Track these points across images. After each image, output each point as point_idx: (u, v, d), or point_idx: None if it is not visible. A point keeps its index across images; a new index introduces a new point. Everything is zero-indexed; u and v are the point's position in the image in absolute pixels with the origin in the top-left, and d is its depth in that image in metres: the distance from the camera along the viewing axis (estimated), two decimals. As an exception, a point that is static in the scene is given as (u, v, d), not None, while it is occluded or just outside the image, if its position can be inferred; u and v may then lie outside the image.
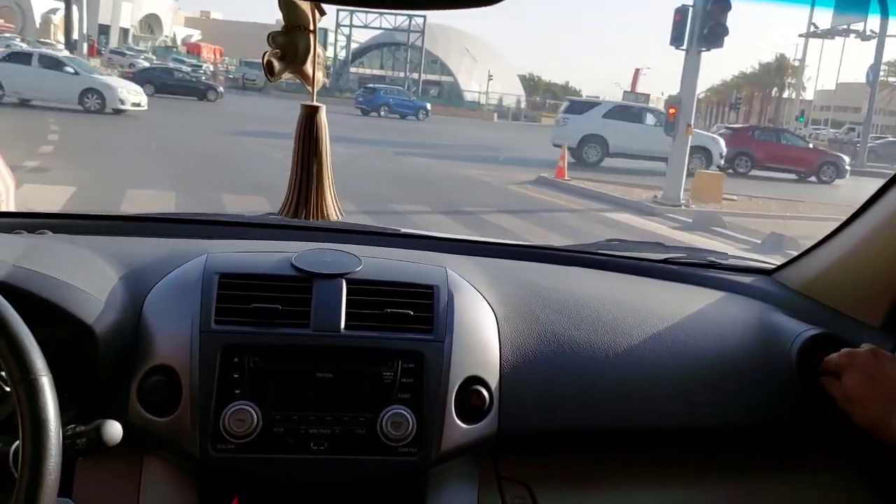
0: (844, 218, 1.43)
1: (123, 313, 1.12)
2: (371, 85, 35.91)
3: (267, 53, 0.87)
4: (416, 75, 51.23)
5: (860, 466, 1.36)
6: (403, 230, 1.65)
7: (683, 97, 12.31)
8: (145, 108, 18.83)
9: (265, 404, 1.08)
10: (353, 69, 55.73)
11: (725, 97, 57.40)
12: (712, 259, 1.71)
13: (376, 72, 57.09)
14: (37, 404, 0.77)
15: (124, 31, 59.92)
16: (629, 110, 19.24)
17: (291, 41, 0.88)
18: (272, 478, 1.10)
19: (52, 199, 7.46)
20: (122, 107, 18.25)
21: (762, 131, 22.19)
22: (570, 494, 1.28)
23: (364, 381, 1.12)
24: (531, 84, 68.22)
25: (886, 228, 1.31)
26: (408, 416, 1.10)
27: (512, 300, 1.29)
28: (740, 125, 24.89)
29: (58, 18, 51.16)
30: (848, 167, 19.40)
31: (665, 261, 1.66)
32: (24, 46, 25.50)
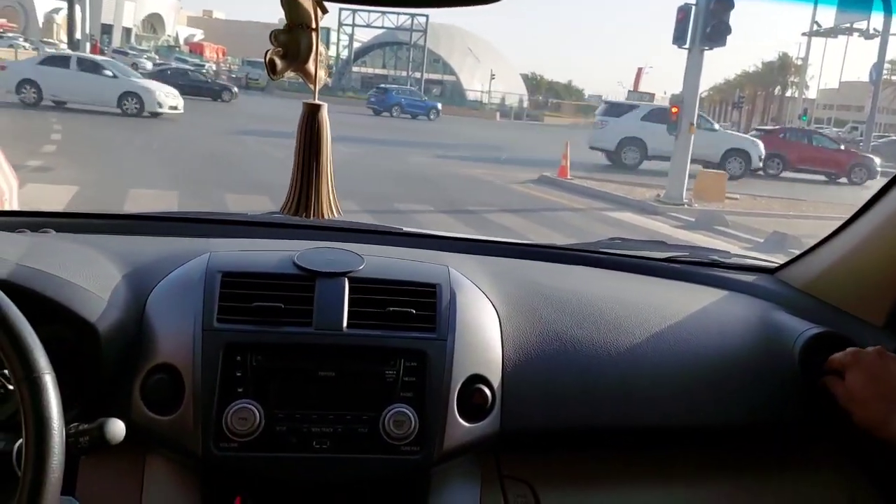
0: (847, 217, 1.43)
1: (126, 312, 1.13)
2: (383, 85, 35.98)
3: (269, 52, 0.87)
4: (418, 74, 51.19)
5: (862, 465, 1.36)
6: (406, 229, 1.65)
7: (686, 96, 12.30)
8: (182, 111, 18.58)
9: (268, 403, 1.08)
10: (355, 68, 55.74)
11: (728, 96, 57.30)
12: (715, 258, 1.71)
13: (378, 71, 57.08)
14: (40, 403, 0.77)
15: (127, 31, 59.97)
16: (667, 113, 19.20)
17: (294, 39, 0.88)
18: (275, 476, 1.10)
19: (57, 198, 7.47)
20: (160, 110, 18.06)
21: (793, 133, 22.10)
22: (572, 493, 1.28)
23: (366, 379, 1.12)
24: (533, 83, 68.05)
25: (889, 227, 1.31)
26: (410, 414, 1.10)
27: (514, 299, 1.29)
28: (770, 127, 24.82)
29: (61, 18, 51.20)
30: (879, 168, 19.21)
31: (667, 259, 1.66)
32: (66, 51, 25.34)
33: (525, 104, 51.73)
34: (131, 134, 14.59)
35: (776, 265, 1.64)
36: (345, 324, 1.14)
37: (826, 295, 1.45)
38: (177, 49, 59.75)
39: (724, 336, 1.35)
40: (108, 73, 18.22)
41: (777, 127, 24.87)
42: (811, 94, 56.24)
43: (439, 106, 35.04)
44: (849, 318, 1.38)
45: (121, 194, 8.24)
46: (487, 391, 1.16)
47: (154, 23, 66.23)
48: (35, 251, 1.13)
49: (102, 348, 1.06)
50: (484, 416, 1.16)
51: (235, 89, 28.80)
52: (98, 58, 20.93)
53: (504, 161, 16.83)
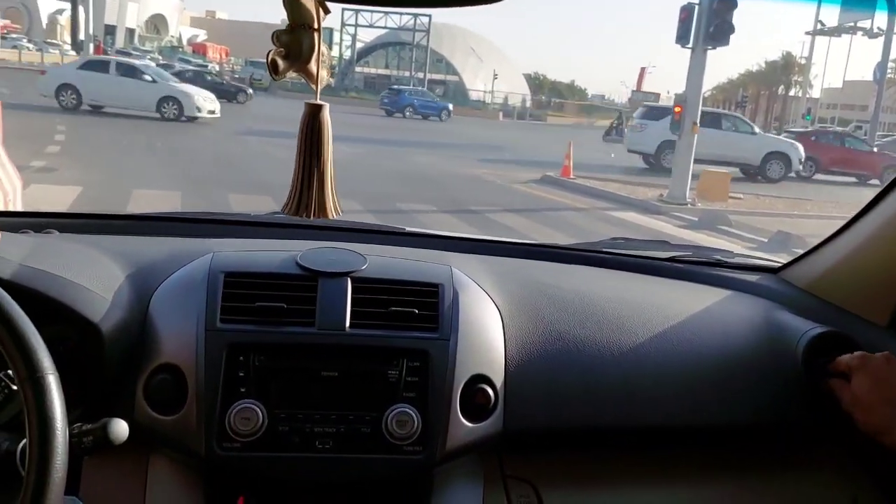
0: (851, 216, 1.42)
1: (129, 312, 1.13)
2: (396, 87, 36.24)
3: (271, 52, 0.87)
4: (421, 75, 51.20)
5: (865, 466, 1.36)
6: (408, 229, 1.65)
7: (689, 96, 12.27)
8: (218, 115, 18.53)
9: (270, 403, 1.08)
10: (358, 68, 55.78)
11: (732, 95, 57.18)
12: (718, 257, 1.71)
13: (381, 71, 57.12)
14: (43, 403, 0.77)
15: (130, 32, 60.09)
16: (707, 116, 19.02)
17: (296, 40, 0.88)
18: (277, 476, 1.10)
19: (61, 198, 7.48)
20: (199, 114, 18.04)
21: (825, 135, 22.06)
22: (575, 493, 1.28)
23: (369, 379, 1.12)
24: (536, 83, 68.01)
25: (893, 226, 1.31)
26: (413, 414, 1.10)
27: (517, 299, 1.29)
28: (803, 129, 24.69)
29: (64, 19, 51.36)
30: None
31: (670, 259, 1.66)
32: (105, 55, 25.21)
33: (528, 104, 51.73)
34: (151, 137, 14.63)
35: (779, 265, 1.63)
36: (347, 324, 1.14)
37: (829, 294, 1.44)
38: (180, 50, 59.84)
39: (728, 336, 1.35)
40: (148, 77, 18.18)
41: (809, 129, 24.76)
42: (815, 93, 56.17)
43: (450, 107, 35.31)
44: (852, 317, 1.38)
45: (124, 194, 8.25)
46: (490, 391, 1.16)
47: (157, 23, 66.35)
48: (38, 252, 1.13)
49: (106, 348, 1.06)
50: (487, 416, 1.16)
51: (250, 91, 28.77)
52: (137, 62, 20.81)
53: (507, 160, 16.83)
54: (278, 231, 1.52)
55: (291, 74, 0.93)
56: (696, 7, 11.42)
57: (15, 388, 0.83)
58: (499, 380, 1.18)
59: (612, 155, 20.08)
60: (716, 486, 1.34)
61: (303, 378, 1.11)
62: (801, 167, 18.32)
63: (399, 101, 32.48)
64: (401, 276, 1.23)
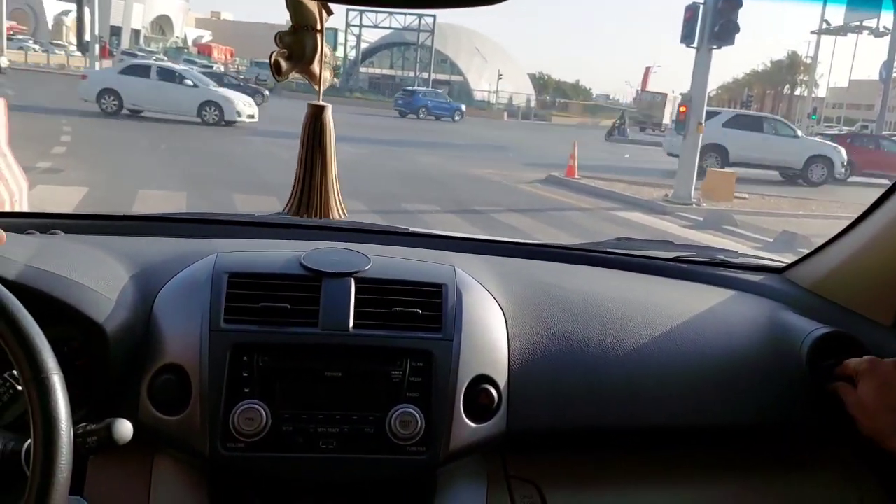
0: (856, 216, 1.42)
1: (134, 312, 1.13)
2: (410, 88, 36.57)
3: (274, 53, 0.88)
4: (425, 75, 51.21)
5: (871, 466, 1.35)
6: (412, 229, 1.65)
7: (694, 95, 12.25)
8: (257, 119, 18.49)
9: (274, 403, 1.09)
10: (362, 69, 55.77)
11: (737, 95, 57.11)
12: (722, 257, 1.70)
13: (386, 71, 57.14)
14: (48, 403, 0.78)
15: (136, 33, 60.27)
16: (748, 119, 19.11)
17: (298, 41, 0.89)
18: (281, 476, 1.10)
19: (67, 199, 7.51)
20: (238, 119, 17.98)
21: (859, 138, 22.02)
22: (579, 493, 1.28)
23: (373, 379, 1.12)
24: (541, 83, 67.94)
25: None
26: (416, 414, 1.10)
27: (520, 299, 1.29)
28: (837, 132, 24.63)
29: (70, 20, 51.57)
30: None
31: (674, 259, 1.66)
32: (146, 60, 25.04)
33: (532, 104, 51.69)
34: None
35: (784, 265, 1.63)
36: (351, 324, 1.14)
37: (834, 295, 1.44)
38: (185, 50, 59.95)
39: (732, 336, 1.35)
40: (189, 82, 18.21)
41: (845, 132, 24.69)
42: (820, 92, 56.01)
43: (463, 107, 35.58)
44: (857, 317, 1.38)
45: (129, 195, 8.27)
46: (493, 391, 1.16)
47: (162, 24, 66.53)
48: (43, 252, 1.13)
49: (110, 349, 1.07)
50: (490, 417, 1.16)
51: (267, 92, 28.74)
52: (177, 67, 20.82)
53: (511, 160, 16.82)
54: (282, 231, 1.52)
55: (295, 75, 0.93)
56: (701, 6, 11.41)
57: (20, 388, 0.84)
58: (502, 380, 1.18)
59: (627, 155, 20.02)
60: (720, 486, 1.33)
61: (306, 378, 1.11)
62: (843, 170, 18.24)
63: (413, 103, 32.74)
64: (404, 276, 1.23)
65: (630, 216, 10.87)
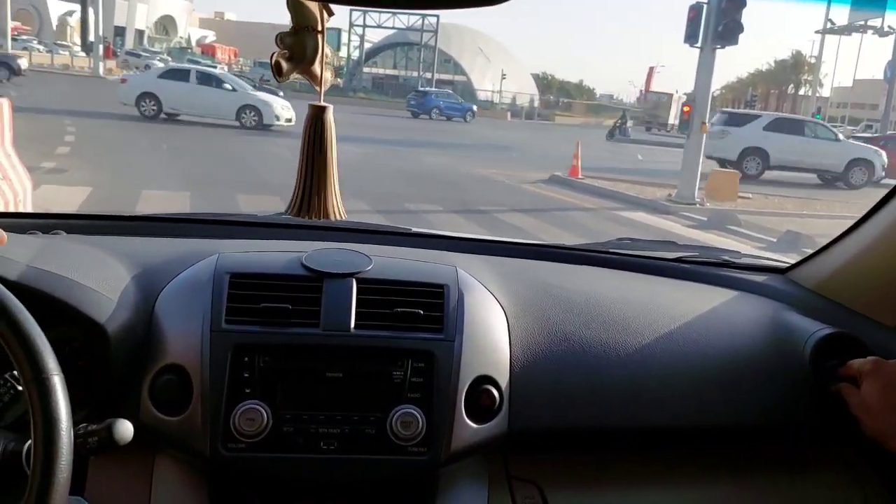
0: (860, 216, 1.41)
1: (135, 313, 1.13)
2: (422, 89, 36.68)
3: (275, 54, 0.88)
4: (429, 75, 51.23)
5: (875, 467, 1.35)
6: (414, 229, 1.65)
7: (698, 95, 12.23)
8: (294, 122, 18.21)
9: (275, 404, 1.09)
10: (366, 69, 55.81)
11: (741, 94, 57.01)
12: (725, 258, 1.70)
13: (389, 71, 57.16)
14: (48, 403, 0.78)
15: (140, 33, 60.39)
16: (789, 122, 19.00)
17: (299, 41, 0.89)
18: (282, 477, 1.10)
19: (70, 199, 7.53)
20: (277, 122, 17.83)
21: (892, 140, 21.84)
22: (580, 494, 1.28)
23: (374, 380, 1.12)
24: (544, 83, 67.89)
25: None
26: (418, 415, 1.10)
27: (522, 299, 1.29)
28: (869, 134, 24.49)
29: (74, 20, 51.69)
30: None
31: (677, 259, 1.65)
32: (185, 64, 24.95)
33: (536, 104, 51.66)
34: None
35: (787, 265, 1.62)
36: (352, 324, 1.14)
37: (837, 295, 1.44)
38: (189, 51, 60.08)
39: (734, 336, 1.34)
40: (228, 86, 18.11)
41: (877, 135, 24.54)
42: (825, 92, 55.92)
43: (475, 108, 35.66)
44: (860, 318, 1.37)
45: (133, 195, 8.28)
46: (495, 392, 1.16)
47: (166, 25, 66.62)
48: (45, 253, 1.13)
49: (111, 349, 1.07)
50: (491, 417, 1.15)
51: (281, 93, 28.85)
52: (216, 71, 20.68)
53: (515, 160, 16.81)
54: (284, 232, 1.53)
55: (297, 76, 0.93)
56: (705, 6, 11.38)
57: (21, 388, 0.84)
58: (504, 380, 1.17)
59: (640, 157, 19.97)
60: (722, 487, 1.33)
61: (308, 379, 1.11)
62: (883, 174, 18.07)
63: (426, 104, 32.85)
64: (406, 276, 1.23)
65: (633, 216, 10.85)
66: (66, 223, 1.42)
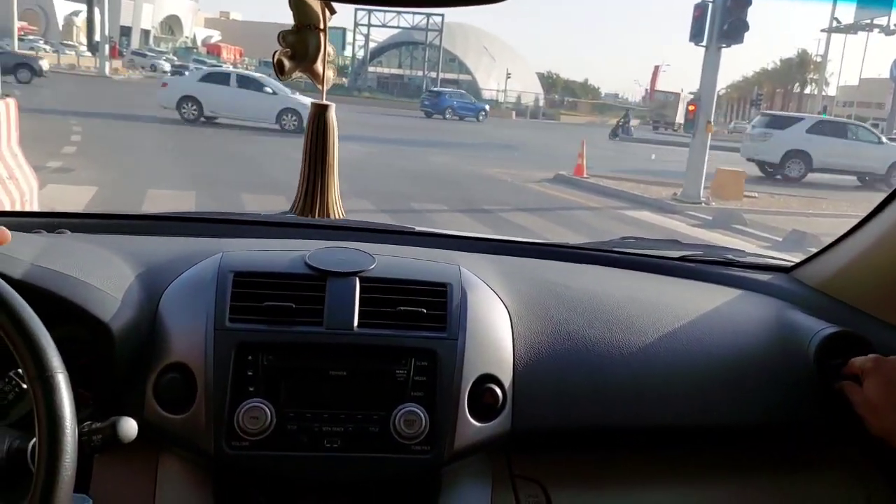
0: (865, 214, 1.41)
1: (140, 311, 1.14)
2: (436, 89, 36.92)
3: (277, 52, 0.88)
4: (434, 74, 51.24)
5: (879, 466, 1.34)
6: (417, 228, 1.65)
7: (703, 94, 12.20)
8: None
9: (279, 402, 1.09)
10: (371, 68, 55.84)
11: (746, 93, 56.83)
12: (729, 256, 1.69)
13: (394, 71, 57.20)
14: (52, 401, 0.78)
15: (145, 33, 60.59)
16: (832, 125, 18.96)
17: (302, 40, 0.89)
18: (286, 475, 1.10)
19: (76, 198, 7.55)
20: None
21: None
22: (584, 493, 1.28)
23: (377, 379, 1.12)
24: (549, 82, 67.82)
25: None
26: (421, 414, 1.10)
27: (526, 298, 1.29)
28: None
29: (80, 20, 51.86)
30: None
31: (681, 258, 1.65)
32: (226, 67, 24.84)
33: (541, 103, 51.64)
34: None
35: (792, 264, 1.62)
36: (356, 323, 1.14)
37: (842, 294, 1.43)
38: (194, 50, 60.23)
39: (739, 335, 1.34)
40: (268, 89, 18.07)
41: None
42: (831, 91, 55.75)
43: (487, 108, 35.94)
44: (865, 317, 1.37)
45: (139, 194, 8.31)
46: (498, 391, 1.16)
47: (172, 24, 66.81)
48: (50, 251, 1.14)
49: (116, 348, 1.07)
50: (495, 416, 1.16)
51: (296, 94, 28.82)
52: (256, 74, 20.60)
53: (520, 160, 16.80)
54: (288, 231, 1.53)
55: (300, 75, 0.94)
56: (710, 5, 11.35)
57: (25, 386, 0.84)
58: (507, 379, 1.17)
59: (653, 157, 19.91)
60: (726, 486, 1.33)
61: (311, 377, 1.11)
62: None
63: (440, 104, 33.02)
64: (409, 275, 1.23)
65: (639, 215, 10.84)
66: (70, 222, 1.43)
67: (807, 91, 55.89)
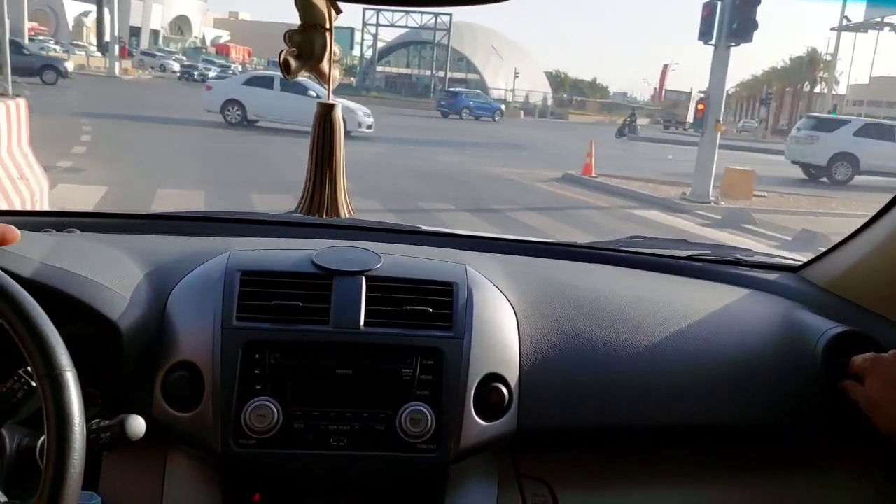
0: (873, 214, 1.40)
1: (148, 310, 1.14)
2: (452, 89, 37.34)
3: (284, 52, 0.89)
4: (442, 73, 51.25)
5: (886, 466, 1.34)
6: (424, 227, 1.66)
7: (712, 93, 12.16)
8: (373, 130, 18.14)
9: (286, 400, 1.09)
10: (379, 68, 55.91)
11: (755, 92, 56.57)
12: (737, 256, 1.69)
13: (403, 70, 57.23)
14: (61, 399, 0.79)
15: (155, 33, 60.82)
16: (879, 128, 18.76)
17: (308, 40, 0.89)
18: (292, 473, 1.11)
19: (86, 198, 7.59)
20: (359, 129, 17.45)
21: None
22: (590, 492, 1.28)
23: (383, 377, 1.13)
24: (558, 81, 67.70)
25: None
26: (427, 412, 1.10)
27: (532, 297, 1.29)
28: None
29: (90, 21, 52.12)
30: None
31: (689, 258, 1.65)
32: (269, 71, 24.93)
33: (549, 102, 51.62)
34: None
35: (800, 263, 1.61)
36: (362, 322, 1.15)
37: (850, 293, 1.43)
38: (203, 50, 60.43)
39: (746, 335, 1.34)
40: (312, 93, 17.62)
41: None
42: (841, 89, 55.40)
43: (503, 107, 36.35)
44: (873, 316, 1.36)
45: (149, 194, 8.34)
46: (504, 390, 1.16)
47: (181, 25, 67.04)
48: (59, 250, 1.15)
49: (124, 346, 1.08)
50: (501, 415, 1.16)
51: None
52: (299, 77, 20.71)
53: (528, 159, 16.78)
54: (295, 230, 1.53)
55: (306, 74, 0.94)
56: (719, 4, 11.31)
57: (34, 384, 0.85)
58: (513, 378, 1.17)
59: (670, 157, 19.83)
60: (732, 485, 1.33)
61: (318, 376, 1.12)
62: None
63: (456, 104, 33.29)
64: (415, 274, 1.23)
65: (647, 214, 10.81)
66: (79, 221, 1.44)
67: (817, 90, 55.61)
